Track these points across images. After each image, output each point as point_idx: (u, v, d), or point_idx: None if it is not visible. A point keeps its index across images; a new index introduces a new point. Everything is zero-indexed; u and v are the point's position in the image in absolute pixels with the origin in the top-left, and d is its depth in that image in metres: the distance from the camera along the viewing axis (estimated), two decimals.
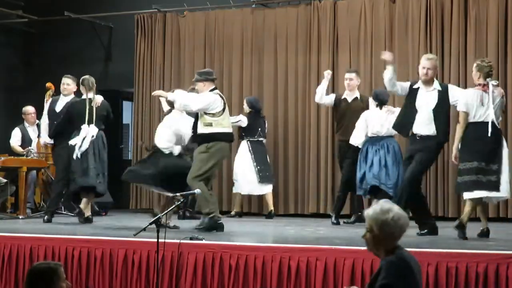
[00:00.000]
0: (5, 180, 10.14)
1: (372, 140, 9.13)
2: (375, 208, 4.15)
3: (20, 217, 9.92)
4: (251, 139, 10.69)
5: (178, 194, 6.84)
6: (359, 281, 5.92)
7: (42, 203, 10.97)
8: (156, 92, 9.00)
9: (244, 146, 10.71)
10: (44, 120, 9.88)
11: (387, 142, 9.11)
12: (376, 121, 9.16)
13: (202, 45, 12.05)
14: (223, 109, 8.02)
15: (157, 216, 5.69)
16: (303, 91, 11.35)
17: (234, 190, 10.85)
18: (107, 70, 13.14)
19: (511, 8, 10.35)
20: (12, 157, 10.60)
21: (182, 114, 8.59)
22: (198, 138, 8.04)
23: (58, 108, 9.64)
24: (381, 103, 9.22)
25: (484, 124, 7.27)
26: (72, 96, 9.63)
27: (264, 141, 10.90)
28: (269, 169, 10.72)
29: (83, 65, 12.57)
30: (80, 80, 9.33)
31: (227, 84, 11.74)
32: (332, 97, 9.86)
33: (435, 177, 10.48)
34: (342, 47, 11.18)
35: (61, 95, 9.75)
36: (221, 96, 8.11)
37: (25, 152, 10.69)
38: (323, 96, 9.77)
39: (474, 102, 7.32)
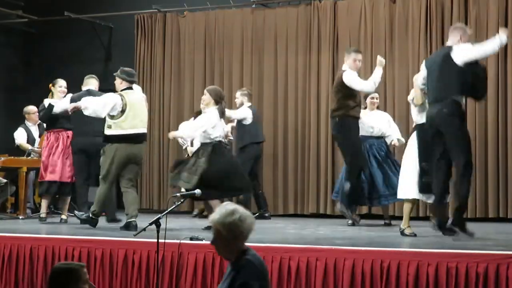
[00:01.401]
0: (5, 180, 10.15)
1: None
2: (220, 211, 4.22)
3: (20, 217, 9.92)
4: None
5: (178, 194, 6.83)
6: (359, 281, 5.92)
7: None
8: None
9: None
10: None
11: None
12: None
13: (202, 45, 12.06)
14: (122, 111, 8.17)
15: (157, 216, 5.68)
16: (303, 91, 11.35)
17: None
18: (107, 70, 13.11)
19: (511, 8, 10.35)
20: (12, 157, 10.60)
21: None
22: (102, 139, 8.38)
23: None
24: None
25: None
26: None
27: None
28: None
29: (83, 65, 12.58)
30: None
31: (227, 84, 11.74)
32: None
33: None
34: (342, 47, 11.16)
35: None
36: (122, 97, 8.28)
37: (37, 149, 10.67)
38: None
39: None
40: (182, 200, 6.65)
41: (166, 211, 5.90)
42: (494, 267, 5.62)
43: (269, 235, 8.09)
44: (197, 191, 7.03)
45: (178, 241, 6.44)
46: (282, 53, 11.55)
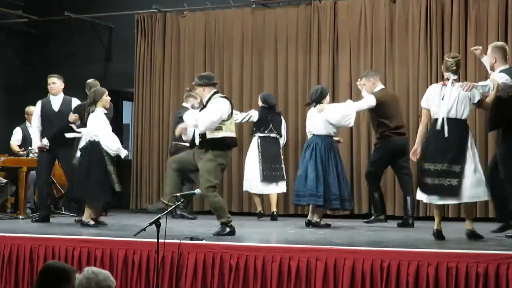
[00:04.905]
0: (5, 180, 10.15)
1: (309, 139, 9.06)
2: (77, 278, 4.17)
3: (20, 217, 9.92)
4: (261, 135, 10.43)
5: (178, 194, 6.83)
6: (359, 281, 5.92)
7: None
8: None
9: (254, 142, 10.53)
10: (35, 124, 9.55)
11: (316, 141, 8.91)
12: (309, 119, 9.12)
13: (202, 45, 12.05)
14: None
15: (157, 216, 5.68)
16: (303, 91, 11.35)
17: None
18: (107, 70, 13.13)
19: (511, 8, 10.35)
20: (12, 157, 10.60)
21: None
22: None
23: (56, 107, 9.55)
24: (313, 101, 9.05)
25: (447, 120, 7.02)
26: (62, 94, 9.56)
27: (280, 138, 10.61)
28: (277, 169, 10.44)
29: (83, 65, 12.59)
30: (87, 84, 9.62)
31: (227, 84, 11.74)
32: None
33: None
34: (342, 47, 11.18)
35: (50, 95, 9.61)
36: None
37: (22, 153, 10.69)
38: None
39: (435, 98, 7.13)
40: (182, 200, 6.64)
41: (166, 211, 5.91)
42: (494, 267, 5.62)
43: (269, 235, 8.10)
44: (197, 191, 7.04)
45: (178, 241, 6.44)
46: (282, 53, 11.54)
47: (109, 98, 8.81)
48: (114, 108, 9.74)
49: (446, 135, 6.99)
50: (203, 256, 6.41)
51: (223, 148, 7.62)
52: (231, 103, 7.81)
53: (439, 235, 7.09)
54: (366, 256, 5.97)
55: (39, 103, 9.60)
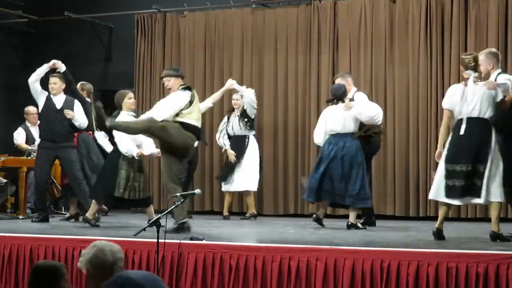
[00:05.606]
0: (5, 180, 10.15)
1: (329, 139, 8.73)
2: (83, 255, 4.19)
3: (20, 217, 9.92)
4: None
5: (178, 194, 6.83)
6: (359, 281, 5.92)
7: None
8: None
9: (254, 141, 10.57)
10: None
11: (344, 140, 8.65)
12: (333, 117, 8.73)
13: (202, 45, 12.05)
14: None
15: (157, 217, 5.69)
16: (303, 91, 11.35)
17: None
18: (107, 70, 13.13)
19: (511, 8, 10.35)
20: (12, 157, 10.59)
21: None
22: None
23: (58, 106, 9.50)
24: (337, 98, 8.80)
25: (471, 120, 6.94)
26: (63, 94, 9.51)
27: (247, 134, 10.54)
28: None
29: (83, 65, 12.57)
30: (81, 85, 9.90)
31: None
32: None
33: None
34: (342, 47, 11.18)
35: (51, 94, 9.53)
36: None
37: (31, 148, 10.67)
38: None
39: (457, 99, 7.02)
40: (182, 200, 6.64)
41: (166, 211, 5.91)
42: (494, 267, 5.62)
43: (269, 235, 8.10)
44: (197, 191, 7.03)
45: (178, 241, 6.44)
46: (282, 53, 11.54)
47: (132, 100, 8.88)
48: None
49: (469, 134, 6.91)
50: (203, 256, 6.41)
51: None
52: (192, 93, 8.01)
53: (439, 234, 7.04)
54: (366, 256, 5.96)
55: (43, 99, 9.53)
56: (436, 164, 10.15)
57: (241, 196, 10.97)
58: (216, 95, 9.50)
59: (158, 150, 8.51)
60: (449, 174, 6.96)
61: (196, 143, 8.65)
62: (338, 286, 5.97)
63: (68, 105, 9.44)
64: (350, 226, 8.54)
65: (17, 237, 7.32)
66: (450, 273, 5.72)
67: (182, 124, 7.84)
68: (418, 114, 10.64)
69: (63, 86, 9.54)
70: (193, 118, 7.93)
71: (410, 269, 5.80)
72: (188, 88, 8.03)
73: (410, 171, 10.64)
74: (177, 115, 7.86)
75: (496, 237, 6.89)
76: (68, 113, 9.29)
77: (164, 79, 8.12)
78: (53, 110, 9.41)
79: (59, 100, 9.46)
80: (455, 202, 7.08)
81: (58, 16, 12.77)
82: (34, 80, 9.48)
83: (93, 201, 8.75)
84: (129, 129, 8.08)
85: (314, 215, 8.85)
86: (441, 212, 7.19)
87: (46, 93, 9.46)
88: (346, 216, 8.83)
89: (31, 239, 7.18)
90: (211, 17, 12.05)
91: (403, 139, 10.75)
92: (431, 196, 7.27)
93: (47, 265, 4.28)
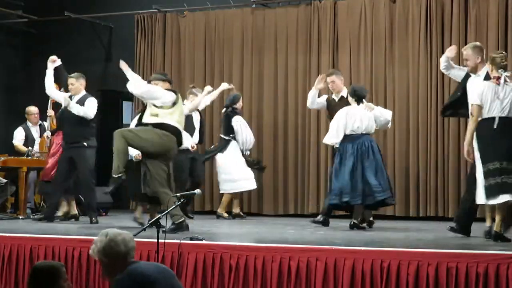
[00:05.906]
0: (5, 180, 10.15)
1: (349, 139, 8.59)
2: (95, 243, 4.30)
3: (20, 217, 9.92)
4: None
5: (178, 194, 6.82)
6: (359, 281, 5.92)
7: (42, 203, 10.95)
8: None
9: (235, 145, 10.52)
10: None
11: (369, 139, 8.61)
12: (356, 117, 8.62)
13: (202, 45, 12.05)
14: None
15: (157, 217, 5.68)
16: (303, 91, 11.33)
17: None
18: (107, 70, 13.12)
19: (511, 8, 10.35)
20: (12, 157, 10.60)
21: None
22: None
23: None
24: (359, 99, 8.74)
25: (501, 119, 6.87)
26: (83, 93, 9.43)
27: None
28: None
29: (83, 65, 12.54)
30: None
31: None
32: (323, 99, 9.47)
33: (435, 177, 10.49)
34: (342, 47, 11.18)
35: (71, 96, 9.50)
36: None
37: (28, 149, 10.68)
38: (314, 100, 9.41)
39: (489, 96, 6.92)
40: (182, 200, 6.64)
41: (166, 211, 5.91)
42: (494, 267, 5.62)
43: (269, 235, 8.10)
44: (197, 191, 7.03)
45: (178, 241, 6.44)
46: (282, 53, 11.55)
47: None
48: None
49: (501, 133, 6.85)
50: (203, 256, 6.41)
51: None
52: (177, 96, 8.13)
53: (500, 236, 6.82)
54: (366, 256, 5.96)
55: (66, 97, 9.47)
56: (436, 164, 10.19)
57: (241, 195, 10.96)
58: (214, 93, 9.85)
59: None
60: (490, 174, 6.86)
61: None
62: (338, 286, 5.97)
63: (80, 103, 9.34)
64: (353, 226, 8.52)
65: (17, 237, 7.32)
66: (450, 273, 5.71)
67: (162, 125, 7.94)
68: (418, 114, 10.64)
69: (81, 85, 9.44)
70: (174, 119, 8.02)
71: (410, 269, 5.80)
72: (174, 91, 8.16)
73: (410, 171, 10.65)
74: (156, 115, 7.91)
75: (498, 237, 6.86)
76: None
77: (153, 82, 8.20)
78: (68, 110, 9.35)
79: (74, 101, 9.42)
80: (508, 198, 6.85)
81: (58, 16, 12.77)
82: (48, 88, 9.53)
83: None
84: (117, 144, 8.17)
85: (352, 222, 8.59)
86: (499, 211, 6.89)
87: (67, 95, 9.41)
88: (346, 216, 8.83)
89: (31, 239, 7.18)
90: (211, 17, 12.06)
91: (403, 139, 10.76)
92: (480, 201, 7.07)
93: (47, 265, 4.30)
